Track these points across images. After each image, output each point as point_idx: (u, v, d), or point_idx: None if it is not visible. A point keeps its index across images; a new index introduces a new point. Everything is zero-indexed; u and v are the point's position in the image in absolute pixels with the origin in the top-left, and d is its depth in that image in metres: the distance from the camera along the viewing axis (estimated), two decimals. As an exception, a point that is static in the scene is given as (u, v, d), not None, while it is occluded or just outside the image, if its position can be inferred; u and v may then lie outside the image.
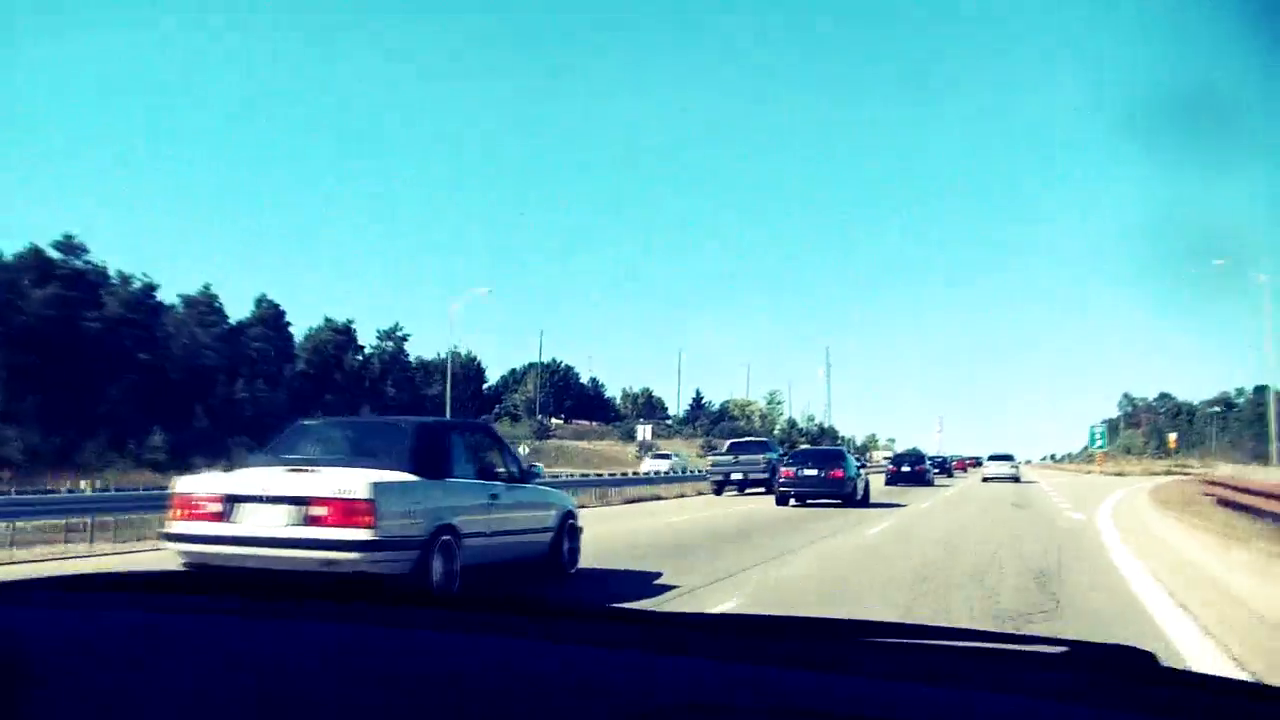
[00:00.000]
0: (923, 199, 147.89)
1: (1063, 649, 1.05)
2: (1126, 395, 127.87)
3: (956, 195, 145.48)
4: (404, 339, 60.97)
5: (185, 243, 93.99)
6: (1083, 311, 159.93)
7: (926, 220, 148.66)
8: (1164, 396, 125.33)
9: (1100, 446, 55.13)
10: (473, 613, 1.27)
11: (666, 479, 33.11)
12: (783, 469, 22.15)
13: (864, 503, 21.60)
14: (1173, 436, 74.61)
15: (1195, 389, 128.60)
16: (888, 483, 34.54)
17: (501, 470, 8.19)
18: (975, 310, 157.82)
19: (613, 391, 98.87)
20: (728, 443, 35.09)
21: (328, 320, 59.74)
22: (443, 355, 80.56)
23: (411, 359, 66.88)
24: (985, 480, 42.37)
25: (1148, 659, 1.01)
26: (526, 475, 8.63)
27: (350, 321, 59.93)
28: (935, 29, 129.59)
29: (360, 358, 58.80)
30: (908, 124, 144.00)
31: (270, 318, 55.11)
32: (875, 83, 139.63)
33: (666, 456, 56.60)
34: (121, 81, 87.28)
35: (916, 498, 25.26)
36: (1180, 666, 1.18)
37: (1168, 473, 51.71)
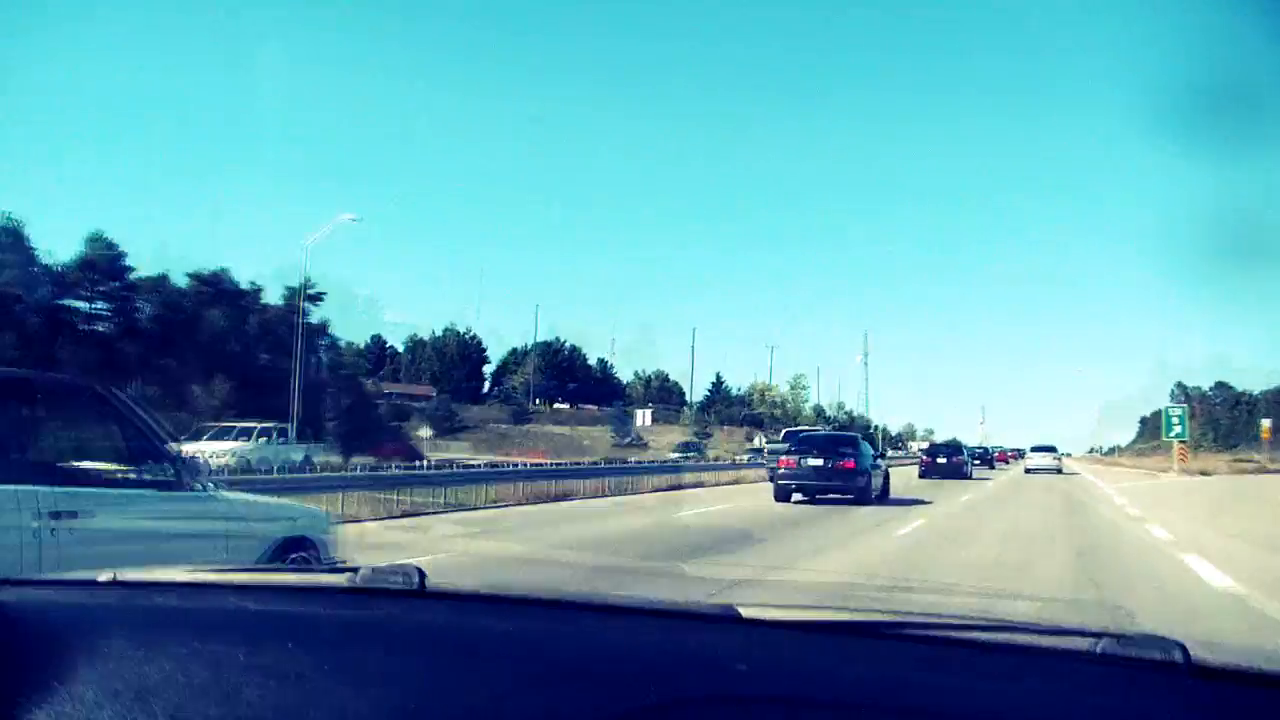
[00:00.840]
0: (961, 189, 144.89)
1: (1094, 639, 1.10)
2: (1180, 384, 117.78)
3: (998, 185, 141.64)
4: (316, 298, 51.55)
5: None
6: (1128, 305, 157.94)
7: (967, 211, 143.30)
8: (1221, 386, 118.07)
9: (1179, 435, 47.03)
10: (481, 603, 1.35)
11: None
12: (781, 458, 20.04)
13: (882, 498, 19.74)
14: (1266, 424, 59.85)
15: (1246, 380, 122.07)
16: (921, 474, 34.02)
17: (110, 468, 4.82)
18: (1019, 301, 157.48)
19: (628, 376, 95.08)
20: (784, 431, 39.51)
21: (220, 270, 50.28)
22: (438, 333, 67.01)
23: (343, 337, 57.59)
24: (1028, 472, 45.91)
25: (1181, 649, 1.05)
26: (180, 476, 4.90)
27: (223, 270, 50.50)
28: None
29: (262, 320, 50.45)
30: (941, 113, 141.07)
31: (102, 262, 43.00)
32: (908, 73, 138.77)
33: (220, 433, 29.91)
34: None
35: (946, 496, 22.07)
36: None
37: (1260, 471, 46.18)
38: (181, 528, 4.79)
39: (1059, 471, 45.19)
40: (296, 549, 5.25)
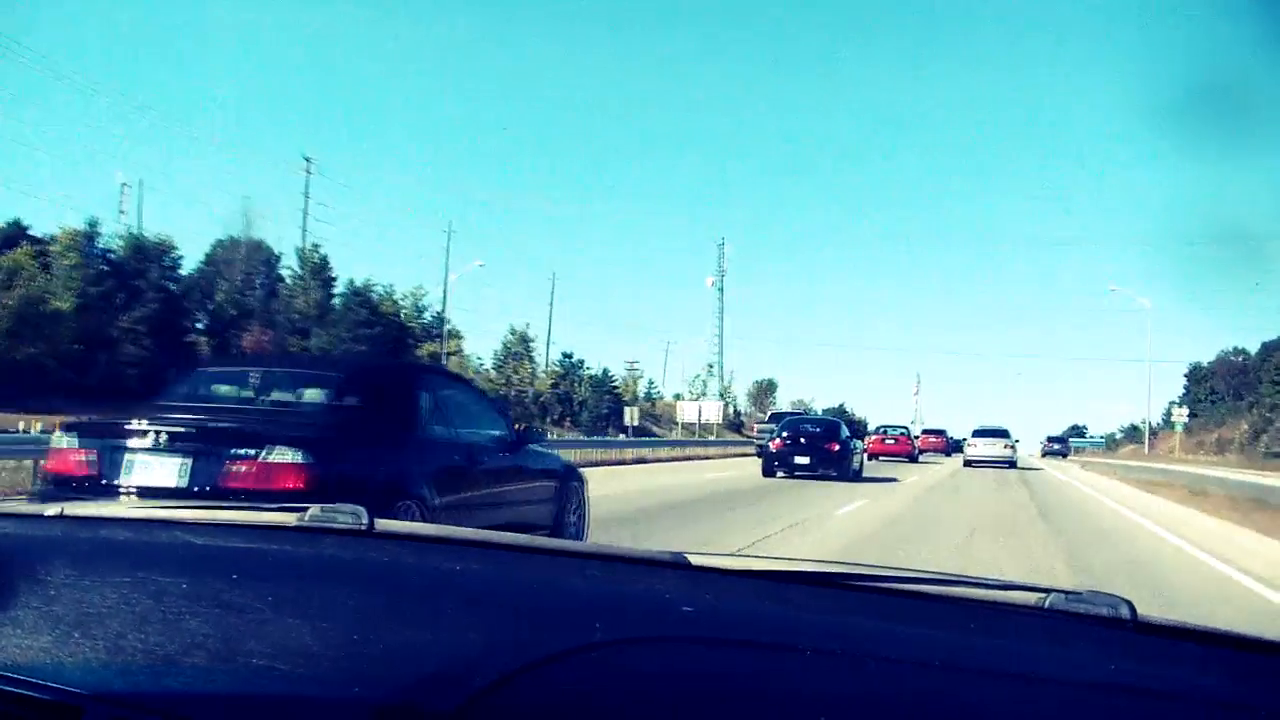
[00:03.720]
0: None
1: (1043, 594, 1.12)
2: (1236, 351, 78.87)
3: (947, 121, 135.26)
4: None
5: None
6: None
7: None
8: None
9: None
10: (429, 544, 1.37)
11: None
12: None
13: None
14: None
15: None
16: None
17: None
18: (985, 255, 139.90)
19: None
20: (769, 413, 44.53)
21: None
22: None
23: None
24: (969, 464, 35.24)
25: (1128, 606, 1.08)
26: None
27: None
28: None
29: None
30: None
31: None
32: (889, 55, 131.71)
33: None
34: None
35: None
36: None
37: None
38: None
39: (1012, 465, 34.49)
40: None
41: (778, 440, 22.30)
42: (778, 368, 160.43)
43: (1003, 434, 36.88)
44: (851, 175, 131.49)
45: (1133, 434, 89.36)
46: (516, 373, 59.91)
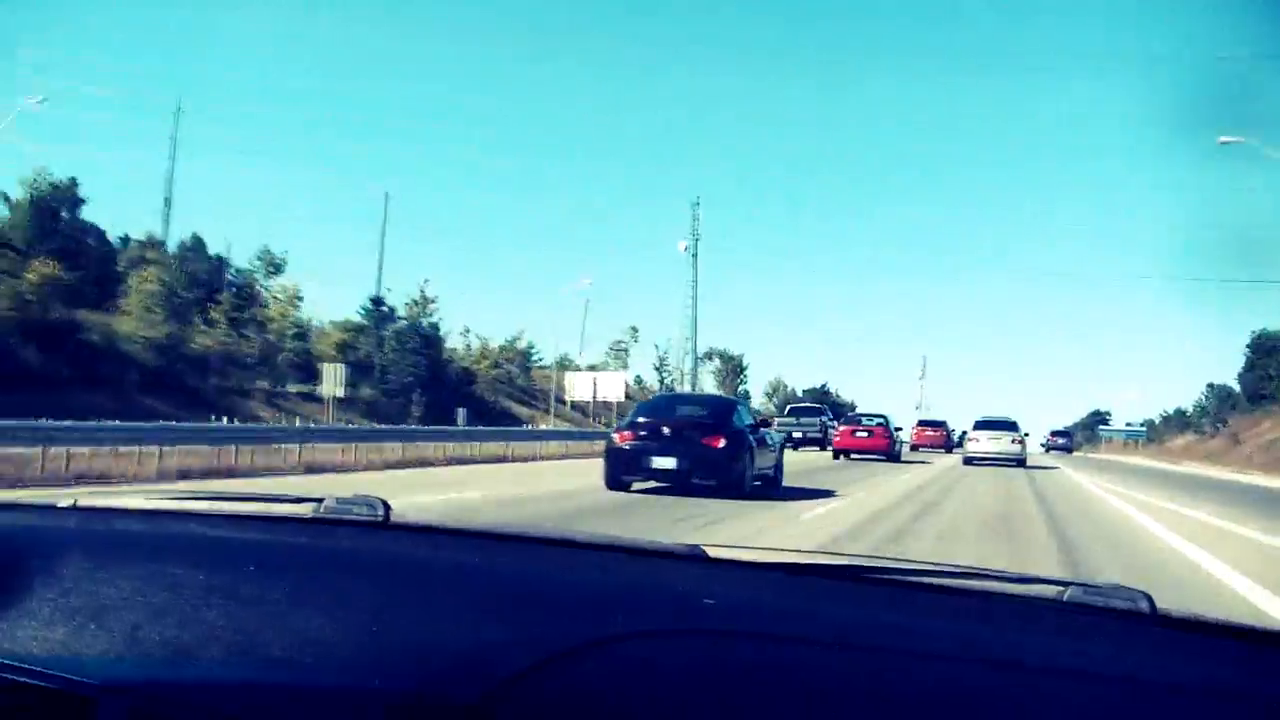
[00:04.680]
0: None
1: (1061, 587, 1.13)
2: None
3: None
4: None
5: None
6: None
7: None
8: None
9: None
10: (446, 535, 1.38)
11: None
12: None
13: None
14: None
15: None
16: None
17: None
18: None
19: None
20: (789, 406, 42.40)
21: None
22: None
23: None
24: (969, 462, 30.38)
25: (1147, 599, 1.09)
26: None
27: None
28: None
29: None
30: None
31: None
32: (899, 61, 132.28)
33: None
34: None
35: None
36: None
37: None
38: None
39: (1021, 462, 29.82)
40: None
41: (627, 431, 13.92)
42: (769, 351, 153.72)
43: (1010, 426, 31.37)
44: (842, 149, 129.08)
45: (1182, 421, 75.52)
46: (246, 314, 42.06)
